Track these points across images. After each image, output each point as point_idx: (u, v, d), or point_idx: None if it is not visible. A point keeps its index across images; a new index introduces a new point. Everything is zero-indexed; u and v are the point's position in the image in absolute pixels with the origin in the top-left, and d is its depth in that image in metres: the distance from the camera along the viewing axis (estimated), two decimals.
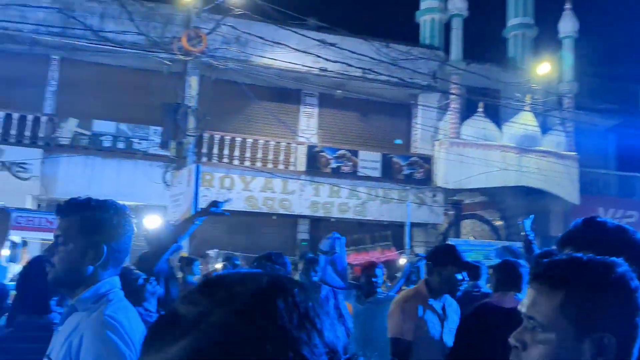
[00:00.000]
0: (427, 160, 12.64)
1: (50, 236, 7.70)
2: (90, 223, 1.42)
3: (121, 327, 1.32)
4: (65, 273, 1.42)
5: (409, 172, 12.33)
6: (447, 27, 12.69)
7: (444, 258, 2.54)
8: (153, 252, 3.02)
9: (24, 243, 9.45)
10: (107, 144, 10.98)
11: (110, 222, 1.42)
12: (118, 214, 1.44)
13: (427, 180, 12.51)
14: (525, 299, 0.97)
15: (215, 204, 3.04)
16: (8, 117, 10.47)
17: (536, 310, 0.92)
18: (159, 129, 10.59)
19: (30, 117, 10.62)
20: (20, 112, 10.57)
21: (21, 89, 10.87)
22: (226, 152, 11.49)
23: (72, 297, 1.42)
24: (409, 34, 12.53)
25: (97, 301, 1.41)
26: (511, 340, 0.95)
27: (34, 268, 2.23)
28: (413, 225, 11.63)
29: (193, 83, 10.66)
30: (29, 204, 10.42)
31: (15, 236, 8.73)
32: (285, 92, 12.11)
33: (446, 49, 12.68)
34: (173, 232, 3.02)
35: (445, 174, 12.31)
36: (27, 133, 10.61)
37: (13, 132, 10.54)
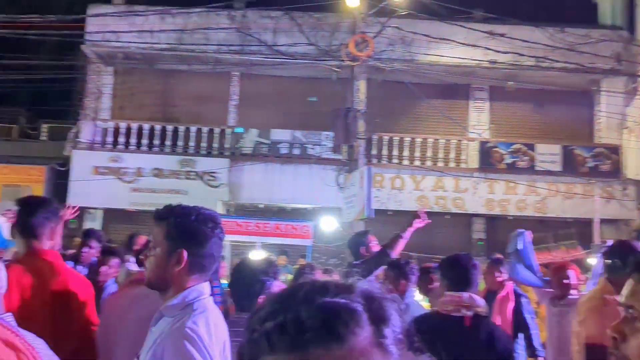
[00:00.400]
0: (615, 150, 14.48)
1: (239, 238, 12.36)
2: (173, 229, 1.90)
3: (200, 339, 1.74)
4: (154, 276, 1.93)
5: (594, 164, 14.41)
6: (630, 4, 14.85)
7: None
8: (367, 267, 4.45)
9: None
10: (284, 151, 15.03)
11: (191, 229, 1.89)
12: (200, 221, 1.92)
13: (615, 172, 14.34)
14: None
15: (418, 216, 4.62)
16: (199, 131, 15.01)
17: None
18: (331, 133, 14.23)
19: (217, 130, 15.05)
20: (208, 126, 15.04)
21: (208, 105, 15.41)
22: (396, 152, 14.77)
23: (164, 301, 1.90)
24: (585, 15, 14.85)
25: (183, 309, 1.85)
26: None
27: (242, 268, 3.02)
28: (602, 222, 13.87)
29: (361, 87, 14.10)
30: (220, 209, 14.79)
31: None
32: (454, 88, 15.17)
33: (630, 27, 14.50)
34: (386, 247, 4.59)
35: (636, 165, 14.37)
36: (215, 145, 15.06)
37: (203, 144, 15.08)
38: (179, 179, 14.22)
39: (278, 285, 2.84)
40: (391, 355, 0.71)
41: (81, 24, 14.47)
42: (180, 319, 1.81)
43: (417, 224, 4.73)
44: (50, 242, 2.78)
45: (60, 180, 14.23)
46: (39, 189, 14.33)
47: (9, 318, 1.75)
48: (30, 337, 1.68)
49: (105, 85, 15.10)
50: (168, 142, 14.48)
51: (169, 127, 14.59)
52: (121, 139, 14.41)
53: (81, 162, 13.94)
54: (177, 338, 1.76)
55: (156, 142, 14.46)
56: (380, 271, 4.55)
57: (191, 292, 1.89)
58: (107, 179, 13.83)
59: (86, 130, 14.47)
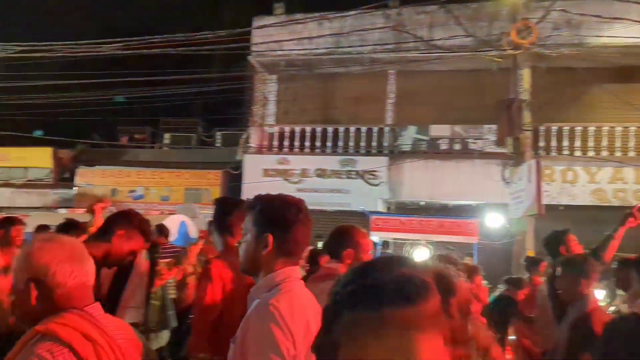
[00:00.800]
0: None
1: (401, 236, 12.18)
2: (260, 216, 2.03)
3: (280, 317, 1.80)
4: (245, 261, 2.05)
5: None
6: None
7: None
8: None
9: (385, 244, 14.00)
10: (444, 146, 15.01)
11: (275, 215, 2.01)
12: (284, 207, 2.03)
13: None
14: None
15: (631, 214, 4.36)
16: (358, 130, 15.53)
17: None
18: (494, 126, 13.87)
19: (375, 129, 15.48)
20: (367, 126, 15.55)
21: (366, 104, 15.88)
22: (566, 143, 13.92)
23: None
24: None
25: (270, 290, 1.93)
26: None
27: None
28: None
29: (525, 76, 13.47)
30: (380, 207, 15.14)
31: (375, 237, 13.24)
32: (630, 71, 13.99)
33: None
34: (597, 250, 4.47)
35: None
36: (374, 143, 15.46)
37: (362, 143, 15.57)
38: (340, 178, 14.78)
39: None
40: (455, 320, 0.81)
41: (247, 37, 15.63)
42: (267, 298, 1.89)
43: (631, 222, 4.35)
44: None
45: (233, 183, 15.51)
46: (216, 192, 15.74)
47: (95, 309, 1.82)
48: (113, 327, 1.80)
49: (270, 93, 16.17)
50: (329, 143, 15.12)
51: (330, 129, 15.22)
52: (286, 142, 15.35)
53: (252, 165, 15.09)
54: (259, 314, 1.86)
55: (318, 143, 15.18)
56: None
57: (278, 275, 1.96)
58: (275, 180, 14.82)
59: (255, 136, 15.62)
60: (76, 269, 1.79)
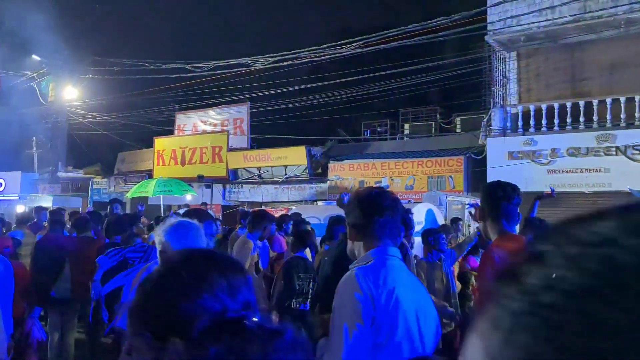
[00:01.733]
0: None
1: None
2: (360, 204, 2.26)
3: (362, 281, 1.98)
4: (350, 243, 2.30)
5: None
6: None
7: None
8: None
9: None
10: None
11: (374, 202, 2.23)
12: (378, 195, 2.27)
13: None
14: None
15: None
16: (615, 102, 13.96)
17: None
18: None
19: (637, 98, 13.75)
20: (625, 95, 13.86)
21: (622, 72, 14.22)
22: None
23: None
24: None
25: (366, 263, 2.13)
26: None
27: None
28: None
29: None
30: None
31: None
32: None
33: None
34: None
35: None
36: (637, 114, 13.79)
37: (622, 115, 13.99)
38: (597, 156, 13.51)
39: None
40: None
41: (482, 16, 15.18)
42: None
43: None
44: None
45: (477, 168, 15.24)
46: (459, 178, 15.67)
47: None
48: None
49: (510, 71, 15.47)
50: (582, 118, 13.90)
51: (581, 103, 13.97)
52: (532, 122, 14.54)
53: (495, 149, 14.64)
54: (343, 279, 2.10)
55: (569, 120, 14.06)
56: None
57: (374, 252, 2.16)
58: (521, 162, 14.16)
59: (497, 118, 15.11)
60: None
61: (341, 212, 7.58)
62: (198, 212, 4.17)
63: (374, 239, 2.18)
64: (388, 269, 2.10)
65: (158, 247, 2.72)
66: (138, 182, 17.29)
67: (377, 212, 2.20)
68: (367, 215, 2.21)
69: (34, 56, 25.20)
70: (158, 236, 2.69)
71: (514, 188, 2.88)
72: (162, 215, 12.29)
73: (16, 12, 23.61)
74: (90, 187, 22.14)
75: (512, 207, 2.82)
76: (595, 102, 13.77)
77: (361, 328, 1.92)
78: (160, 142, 22.60)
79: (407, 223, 3.50)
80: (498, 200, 2.82)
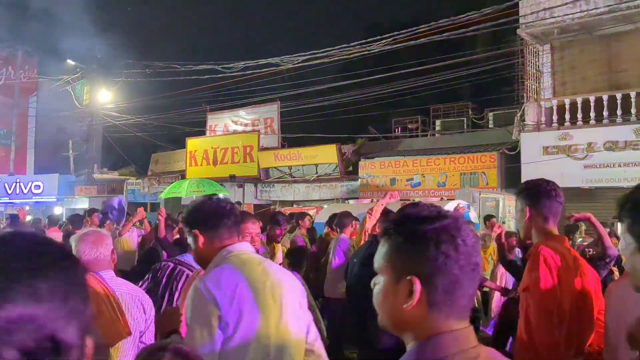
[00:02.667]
0: None
1: None
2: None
3: (204, 286, 2.12)
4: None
5: None
6: None
7: None
8: None
9: None
10: None
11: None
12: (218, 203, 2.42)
13: None
14: None
15: None
16: None
17: None
18: None
19: None
20: None
21: None
22: None
23: None
24: None
25: (216, 265, 2.29)
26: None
27: None
28: None
29: None
30: None
31: None
32: None
33: None
34: None
35: None
36: None
37: None
38: (635, 150, 13.19)
39: None
40: None
41: (514, 10, 14.97)
42: None
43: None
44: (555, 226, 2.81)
45: (511, 164, 15.03)
46: (492, 174, 15.47)
47: (106, 273, 2.86)
48: (120, 285, 2.89)
49: (544, 64, 15.20)
50: (619, 112, 13.59)
51: (618, 95, 13.65)
52: (567, 116, 14.27)
53: (530, 144, 14.41)
54: (192, 286, 2.26)
55: (605, 113, 13.76)
56: None
57: (226, 251, 2.35)
58: (557, 158, 13.92)
59: (531, 112, 14.87)
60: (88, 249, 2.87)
61: (364, 210, 7.63)
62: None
63: (222, 241, 2.34)
64: (231, 268, 2.22)
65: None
66: (171, 183, 17.58)
67: (224, 215, 2.36)
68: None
69: (69, 61, 25.79)
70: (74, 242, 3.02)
71: (557, 186, 2.80)
72: None
73: (51, 19, 24.22)
74: (125, 188, 22.58)
75: (557, 206, 2.74)
76: (633, 94, 13.45)
77: (209, 328, 2.06)
78: (192, 143, 22.90)
79: None
80: (542, 199, 2.74)
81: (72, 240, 3.07)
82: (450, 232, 1.18)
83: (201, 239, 2.37)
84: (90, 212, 9.04)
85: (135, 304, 2.97)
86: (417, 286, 1.16)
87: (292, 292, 2.35)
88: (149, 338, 3.01)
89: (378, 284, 1.27)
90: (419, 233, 1.18)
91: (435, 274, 1.16)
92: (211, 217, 2.39)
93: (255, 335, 2.14)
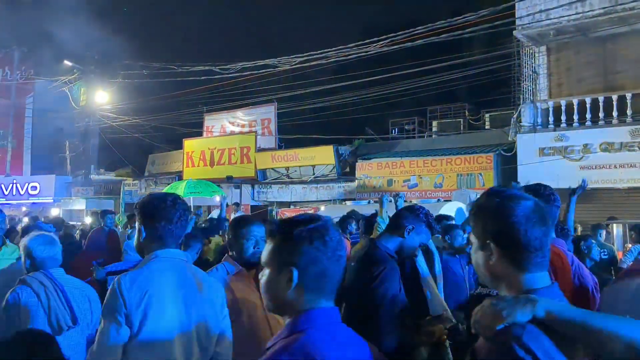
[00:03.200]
0: None
1: None
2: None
3: (118, 286, 2.31)
4: None
5: None
6: None
7: None
8: None
9: None
10: None
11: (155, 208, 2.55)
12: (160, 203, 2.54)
13: None
14: None
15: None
16: None
17: None
18: None
19: None
20: None
21: None
22: None
23: None
24: None
25: (140, 266, 2.51)
26: None
27: None
28: None
29: None
30: None
31: None
32: None
33: None
34: None
35: None
36: None
37: None
38: (632, 151, 13.25)
39: None
40: None
41: (510, 12, 15.01)
42: None
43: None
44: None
45: (507, 166, 15.07)
46: (489, 175, 15.51)
47: (56, 271, 3.36)
48: (69, 286, 3.31)
49: (540, 66, 15.26)
50: (614, 113, 13.65)
51: (614, 97, 13.72)
52: (563, 117, 14.33)
53: (526, 146, 14.46)
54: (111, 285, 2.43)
55: (601, 114, 13.82)
56: None
57: (151, 255, 2.50)
58: (553, 159, 13.97)
59: (527, 114, 14.92)
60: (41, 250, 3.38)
61: (369, 210, 7.64)
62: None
63: (153, 242, 2.48)
64: (150, 272, 2.40)
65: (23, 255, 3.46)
66: (168, 184, 17.57)
67: (155, 218, 2.49)
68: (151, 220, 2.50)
69: (65, 61, 25.75)
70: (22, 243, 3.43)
71: (553, 190, 2.81)
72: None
73: (47, 20, 24.17)
74: (122, 189, 22.54)
75: (556, 210, 2.76)
76: (628, 95, 13.51)
77: (115, 324, 2.27)
78: (189, 144, 22.90)
79: (432, 226, 3.52)
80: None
81: (25, 241, 3.47)
82: (320, 232, 1.54)
83: (143, 235, 2.52)
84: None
85: (81, 297, 3.39)
86: (295, 274, 1.52)
87: (206, 297, 2.52)
88: (95, 327, 3.30)
89: (265, 275, 1.61)
90: (295, 233, 1.54)
91: (308, 264, 1.52)
92: (158, 219, 2.50)
93: (159, 335, 2.32)
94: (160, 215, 2.50)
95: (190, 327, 2.39)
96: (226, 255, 3.22)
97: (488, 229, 1.56)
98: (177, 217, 2.52)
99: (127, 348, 2.29)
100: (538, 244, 1.51)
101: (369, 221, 6.43)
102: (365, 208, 10.77)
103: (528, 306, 1.39)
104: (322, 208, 15.15)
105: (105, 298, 2.36)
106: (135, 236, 2.58)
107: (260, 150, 20.99)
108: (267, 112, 22.67)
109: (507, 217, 1.51)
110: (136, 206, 2.63)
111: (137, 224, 2.58)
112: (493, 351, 1.40)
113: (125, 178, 24.59)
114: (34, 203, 24.18)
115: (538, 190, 2.81)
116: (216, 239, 7.85)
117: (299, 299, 1.54)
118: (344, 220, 7.84)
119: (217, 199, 16.02)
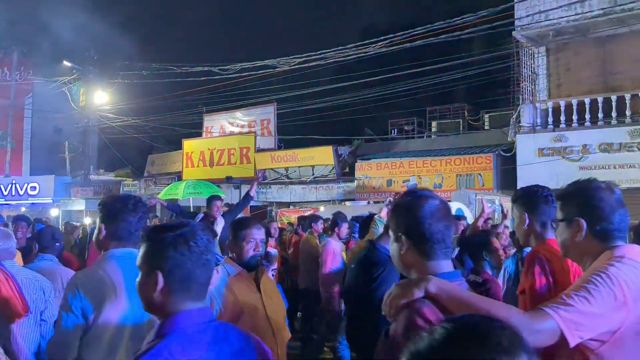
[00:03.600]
0: None
1: None
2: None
3: (74, 281, 2.52)
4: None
5: None
6: None
7: None
8: None
9: None
10: None
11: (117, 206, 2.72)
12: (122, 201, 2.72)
13: None
14: None
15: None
16: None
17: None
18: None
19: None
20: None
21: None
22: None
23: None
24: None
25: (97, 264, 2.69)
26: None
27: None
28: None
29: None
30: None
31: None
32: None
33: None
34: None
35: None
36: None
37: None
38: (631, 152, 13.28)
39: None
40: None
41: (509, 12, 15.04)
42: None
43: None
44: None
45: (506, 166, 15.09)
46: (488, 176, 15.53)
47: (8, 263, 3.40)
48: (19, 271, 3.45)
49: (539, 66, 15.29)
50: (614, 113, 13.68)
51: (613, 97, 13.75)
52: (562, 118, 14.35)
53: (525, 146, 14.48)
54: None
55: (600, 115, 13.85)
56: None
57: (106, 253, 2.70)
58: (552, 159, 13.99)
59: (526, 114, 14.95)
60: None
61: (361, 212, 7.63)
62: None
63: (112, 240, 2.65)
64: (102, 271, 2.54)
65: None
66: (168, 184, 17.58)
67: (116, 219, 2.65)
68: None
69: (65, 62, 25.75)
70: None
71: (550, 191, 2.83)
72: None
73: (47, 20, 24.17)
74: (121, 189, 22.55)
75: (554, 211, 2.78)
76: (627, 96, 13.55)
77: (72, 317, 2.44)
78: (188, 144, 22.90)
79: None
80: (540, 205, 2.78)
81: None
82: (185, 237, 1.64)
83: (103, 233, 2.68)
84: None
85: (35, 287, 3.53)
86: (160, 278, 1.62)
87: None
88: (49, 316, 3.50)
89: (138, 278, 1.71)
90: (161, 239, 1.65)
91: (174, 268, 1.62)
92: (119, 219, 2.66)
93: (112, 328, 2.49)
94: (121, 217, 2.66)
95: (143, 320, 2.50)
96: (226, 257, 3.23)
97: (400, 224, 1.78)
98: (136, 219, 2.68)
99: (83, 340, 2.46)
100: (440, 236, 1.73)
101: (365, 223, 6.39)
102: (365, 208, 10.79)
103: (422, 284, 1.62)
104: (322, 208, 15.17)
105: (63, 293, 2.54)
106: (95, 232, 2.74)
107: (259, 150, 21.01)
108: (267, 113, 22.68)
109: (415, 213, 1.74)
110: (99, 205, 2.79)
111: (97, 222, 2.75)
112: (400, 324, 1.58)
113: (124, 178, 24.59)
114: (33, 203, 24.17)
115: (537, 192, 2.81)
116: None
117: (167, 301, 1.63)
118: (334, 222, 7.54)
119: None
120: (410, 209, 1.76)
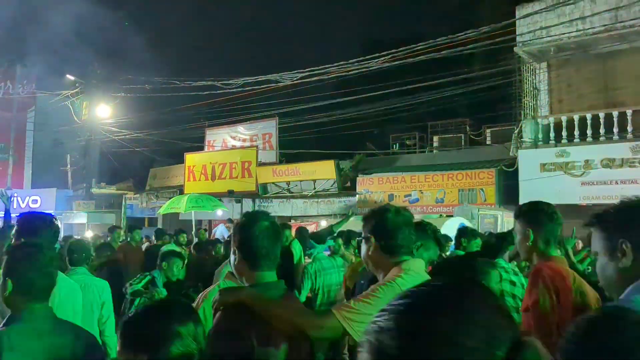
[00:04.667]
0: None
1: None
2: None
3: None
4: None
5: None
6: None
7: None
8: None
9: None
10: None
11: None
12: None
13: None
14: None
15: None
16: None
17: None
18: None
19: None
20: None
21: None
22: None
23: None
24: None
25: None
26: None
27: None
28: None
29: None
30: None
31: None
32: None
33: None
34: None
35: None
36: None
37: None
38: (633, 167, 13.30)
39: None
40: None
41: (511, 28, 15.16)
42: None
43: None
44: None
45: (509, 181, 15.11)
46: (490, 191, 15.55)
47: None
48: None
49: (541, 82, 15.37)
50: (616, 129, 13.73)
51: (615, 113, 13.81)
52: (564, 133, 14.40)
53: (527, 161, 14.51)
54: None
55: (602, 130, 13.89)
56: None
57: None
58: (554, 175, 14.02)
59: (528, 129, 15.00)
60: None
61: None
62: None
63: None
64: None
65: None
66: (169, 198, 17.61)
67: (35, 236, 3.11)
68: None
69: (68, 76, 25.91)
70: None
71: (555, 208, 2.83)
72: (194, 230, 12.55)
73: (50, 33, 24.37)
74: (123, 203, 22.58)
75: (558, 228, 2.78)
76: (629, 112, 13.60)
77: None
78: (190, 158, 22.97)
79: (440, 242, 3.56)
80: (545, 222, 2.77)
81: None
82: (30, 253, 2.29)
83: None
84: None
85: None
86: (9, 284, 2.19)
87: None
88: None
89: None
90: (11, 253, 2.32)
91: (19, 277, 2.20)
92: (37, 236, 3.05)
93: None
94: (39, 234, 3.11)
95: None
96: (227, 273, 3.24)
97: (235, 240, 2.21)
98: (51, 235, 3.21)
99: None
100: (265, 252, 2.13)
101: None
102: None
103: (231, 293, 2.07)
104: (323, 223, 15.17)
105: None
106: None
107: (261, 164, 21.06)
108: (269, 127, 22.77)
109: (247, 233, 2.15)
110: (17, 222, 3.29)
111: (13, 237, 3.26)
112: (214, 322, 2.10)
113: (126, 192, 24.63)
114: None
115: (542, 208, 2.83)
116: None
117: (15, 301, 2.20)
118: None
119: (219, 213, 16.05)
120: (244, 230, 2.19)
